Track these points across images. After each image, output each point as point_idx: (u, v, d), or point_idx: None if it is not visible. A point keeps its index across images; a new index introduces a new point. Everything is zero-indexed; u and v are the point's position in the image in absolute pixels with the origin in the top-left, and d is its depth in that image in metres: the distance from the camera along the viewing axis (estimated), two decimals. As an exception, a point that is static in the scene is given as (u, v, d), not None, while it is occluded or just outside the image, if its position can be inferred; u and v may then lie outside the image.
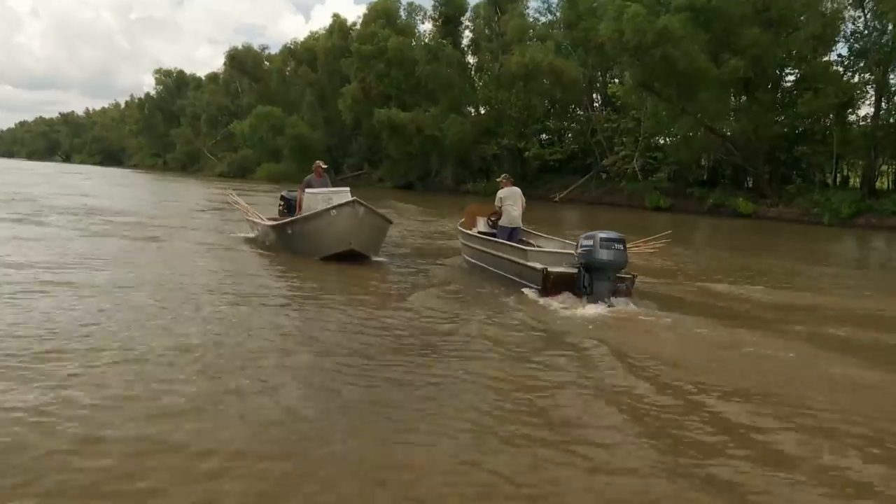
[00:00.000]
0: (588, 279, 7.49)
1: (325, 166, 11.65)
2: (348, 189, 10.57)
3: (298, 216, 10.43)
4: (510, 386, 4.65)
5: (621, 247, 7.46)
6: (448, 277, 9.38)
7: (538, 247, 9.38)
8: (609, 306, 7.29)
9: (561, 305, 7.33)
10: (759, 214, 28.15)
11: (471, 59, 44.33)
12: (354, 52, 43.59)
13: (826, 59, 28.67)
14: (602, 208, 31.99)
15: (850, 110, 27.95)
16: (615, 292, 7.59)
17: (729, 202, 29.41)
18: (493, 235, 10.06)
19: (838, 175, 28.79)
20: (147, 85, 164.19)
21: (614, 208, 31.81)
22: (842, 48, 28.84)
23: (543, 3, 42.30)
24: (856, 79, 28.05)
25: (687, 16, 26.91)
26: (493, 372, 4.91)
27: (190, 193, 30.73)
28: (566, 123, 40.51)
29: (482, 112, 41.94)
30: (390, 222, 10.65)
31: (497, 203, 10.28)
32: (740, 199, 28.86)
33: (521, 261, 8.42)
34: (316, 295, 7.52)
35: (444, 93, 39.93)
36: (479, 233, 10.54)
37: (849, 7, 26.85)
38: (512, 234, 9.91)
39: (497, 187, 10.56)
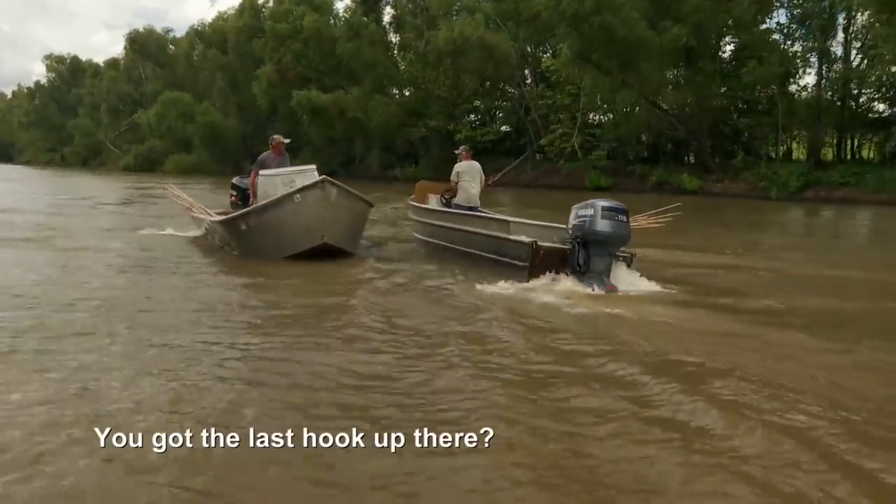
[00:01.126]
0: (584, 255, 6.61)
1: (286, 141, 9.69)
2: (314, 167, 8.83)
3: (253, 206, 8.64)
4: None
5: (625, 218, 6.57)
6: (421, 266, 8.11)
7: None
8: (607, 286, 6.47)
9: (554, 287, 6.51)
10: (705, 190, 27.53)
11: (393, 38, 42.45)
12: (268, 32, 41.23)
13: (766, 26, 28.21)
14: (539, 190, 30.87)
15: (791, 80, 27.54)
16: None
17: (673, 179, 28.70)
18: None
19: (781, 147, 28.23)
20: (37, 74, 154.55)
21: (552, 190, 30.70)
22: (781, 15, 28.20)
23: (470, -25, 40.25)
24: (796, 47, 27.67)
25: (625, -19, 25.96)
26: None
27: (97, 188, 28.07)
28: (498, 102, 39.27)
29: (408, 93, 40.27)
30: (371, 205, 8.98)
31: (453, 178, 9.40)
32: (685, 176, 28.19)
33: (502, 234, 7.48)
34: (270, 319, 5.50)
35: (367, 73, 38.07)
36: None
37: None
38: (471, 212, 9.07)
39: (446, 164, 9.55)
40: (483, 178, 9.57)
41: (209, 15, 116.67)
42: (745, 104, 28.60)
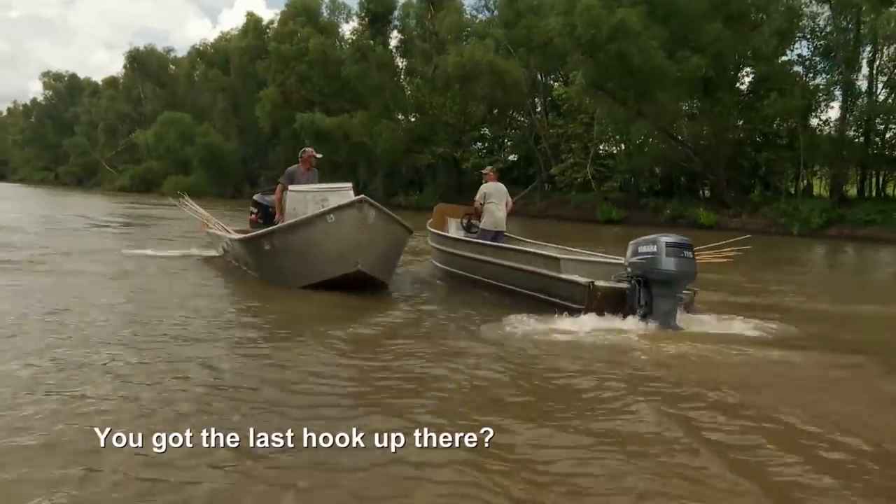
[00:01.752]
0: (646, 296, 6.15)
1: (318, 156, 9.11)
2: (350, 185, 8.24)
3: (279, 224, 8.03)
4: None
5: (690, 254, 6.19)
6: (454, 302, 7.55)
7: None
8: (673, 329, 6.02)
9: (613, 330, 5.93)
10: (722, 225, 26.79)
11: (400, 63, 42.05)
12: (272, 53, 40.90)
13: (787, 58, 27.84)
14: (549, 221, 30.26)
15: (813, 113, 27.07)
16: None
17: (688, 213, 28.03)
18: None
19: (802, 183, 27.71)
20: (34, 91, 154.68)
21: (561, 221, 30.16)
22: (801, 47, 27.82)
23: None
24: (817, 80, 27.28)
25: (644, 9, 25.49)
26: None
27: (95, 207, 27.53)
28: (507, 130, 38.71)
29: (414, 119, 39.63)
30: (410, 231, 8.29)
31: (479, 200, 8.95)
32: (700, 210, 27.53)
33: (552, 273, 6.87)
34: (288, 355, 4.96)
35: (373, 97, 37.62)
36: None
37: (811, 2, 25.87)
38: (496, 239, 8.74)
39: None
40: (510, 201, 9.17)
41: (211, 36, 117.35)
42: (764, 137, 27.95)
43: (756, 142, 27.89)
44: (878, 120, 25.64)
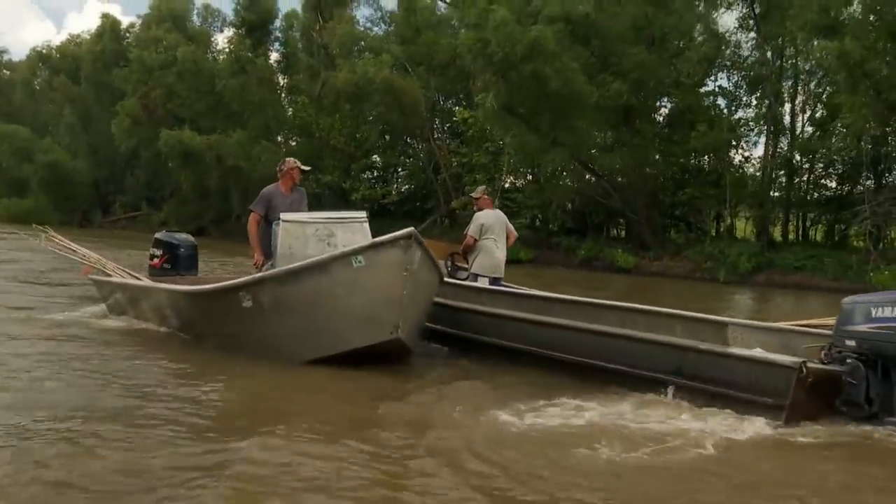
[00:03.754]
0: (882, 386, 4.55)
1: (305, 168, 7.65)
2: (364, 214, 6.78)
3: (270, 271, 6.47)
4: None
5: None
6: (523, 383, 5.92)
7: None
8: None
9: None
10: (641, 269, 25.73)
11: (281, 79, 39.57)
12: (133, 61, 37.35)
13: (708, 88, 27.55)
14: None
15: (737, 150, 26.69)
16: None
17: (604, 254, 26.78)
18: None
19: (721, 224, 27.20)
20: None
21: (463, 260, 28.46)
22: (722, 78, 27.76)
23: (376, 11, 38.76)
24: (739, 114, 26.89)
25: (562, 28, 24.21)
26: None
27: None
28: (402, 158, 37.06)
29: (295, 143, 37.27)
30: (442, 276, 6.86)
31: (472, 234, 7.74)
32: (618, 251, 26.33)
33: (713, 348, 5.20)
34: None
35: (253, 115, 34.88)
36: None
37: (735, 31, 25.51)
38: (495, 284, 7.61)
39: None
40: (512, 232, 8.02)
41: (57, 40, 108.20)
42: (687, 174, 27.33)
43: (679, 178, 27.08)
44: (803, 159, 25.36)
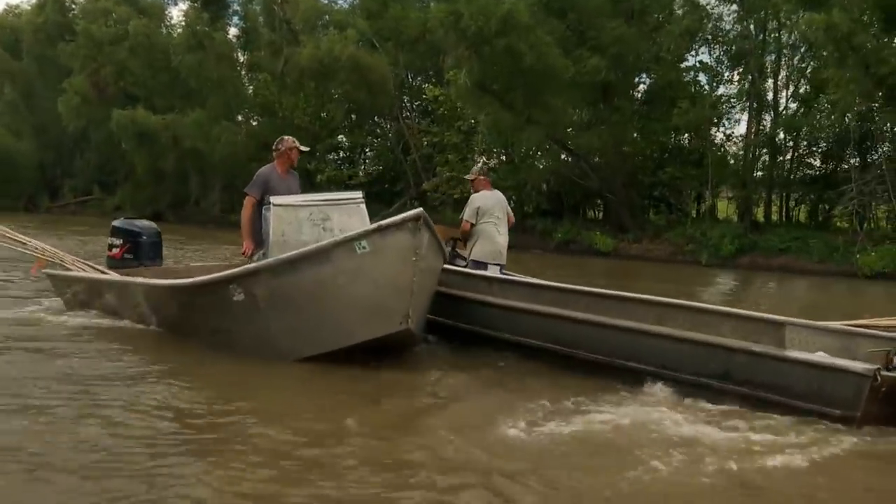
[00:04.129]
0: None
1: (304, 149, 7.56)
2: (360, 195, 6.65)
3: (264, 261, 6.16)
4: None
5: None
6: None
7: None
8: None
9: None
10: (621, 252, 25.68)
11: (241, 56, 38.80)
12: (81, 34, 36.18)
13: (689, 63, 27.31)
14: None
15: (719, 127, 26.73)
16: None
17: (582, 237, 26.62)
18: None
19: (702, 205, 26.98)
20: None
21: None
22: (703, 53, 27.63)
23: (342, -17, 37.95)
24: (720, 90, 26.85)
25: (537, 1, 24.15)
26: None
27: None
28: (369, 138, 36.46)
29: (256, 123, 36.70)
30: (445, 257, 6.76)
31: (468, 218, 7.33)
32: (597, 234, 26.18)
33: (769, 350, 4.89)
34: None
35: (211, 93, 34.03)
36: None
37: (717, 4, 25.41)
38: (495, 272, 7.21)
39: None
40: (511, 216, 7.68)
41: None
42: (667, 153, 27.21)
43: (658, 157, 26.98)
44: (787, 137, 25.30)
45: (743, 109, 25.65)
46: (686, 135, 26.96)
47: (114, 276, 7.93)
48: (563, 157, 28.01)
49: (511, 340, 6.26)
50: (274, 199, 6.39)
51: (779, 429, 4.56)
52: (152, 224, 9.06)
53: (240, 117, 36.77)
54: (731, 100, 26.17)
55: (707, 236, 24.12)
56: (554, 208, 29.47)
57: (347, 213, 6.31)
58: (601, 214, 29.55)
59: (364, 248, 5.54)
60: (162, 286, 6.92)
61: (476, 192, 7.61)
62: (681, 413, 4.84)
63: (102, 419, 4.44)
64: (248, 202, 6.92)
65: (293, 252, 5.84)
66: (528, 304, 6.24)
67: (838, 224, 24.28)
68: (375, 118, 35.91)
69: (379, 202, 33.79)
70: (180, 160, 34.59)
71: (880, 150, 22.95)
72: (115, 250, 8.44)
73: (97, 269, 8.31)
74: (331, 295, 5.68)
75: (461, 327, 6.69)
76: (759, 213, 25.84)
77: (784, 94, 25.67)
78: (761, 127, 25.10)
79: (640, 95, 28.25)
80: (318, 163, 33.69)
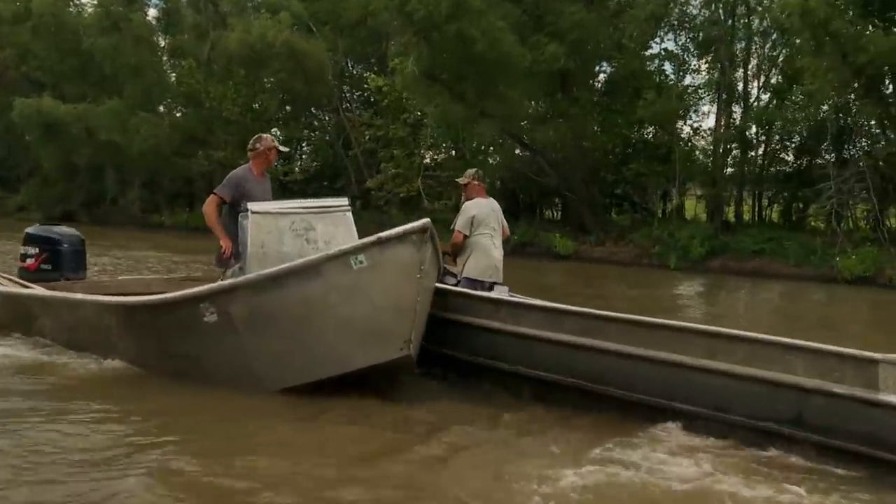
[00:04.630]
0: None
1: (283, 149, 7.16)
2: (346, 201, 6.52)
3: (244, 277, 5.80)
4: None
5: None
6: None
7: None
8: None
9: None
10: (582, 255, 25.14)
11: (163, 40, 37.50)
12: (-23, 13, 34.82)
13: (654, 51, 26.95)
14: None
15: (685, 120, 26.38)
16: None
17: (540, 238, 26.00)
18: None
19: (669, 204, 26.77)
20: None
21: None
22: (669, 40, 27.34)
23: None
24: (688, 80, 26.52)
25: (490, -17, 23.39)
26: None
27: None
28: (307, 131, 35.97)
29: (184, 112, 35.67)
30: (441, 273, 6.53)
31: (461, 228, 7.08)
32: (556, 236, 25.60)
33: (858, 392, 4.47)
34: None
35: (129, 81, 32.63)
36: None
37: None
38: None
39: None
40: (506, 227, 7.48)
41: None
42: (630, 148, 26.75)
43: (621, 153, 26.59)
44: (759, 130, 24.94)
45: (712, 101, 25.38)
46: (651, 128, 26.58)
47: (40, 290, 7.50)
48: (517, 151, 27.49)
49: (522, 374, 5.86)
50: (252, 206, 6.02)
51: (853, 490, 4.31)
52: (74, 231, 8.74)
53: (161, 107, 35.64)
54: (700, 90, 25.88)
55: (675, 238, 23.63)
56: (509, 207, 28.14)
57: (333, 223, 6.12)
58: (560, 214, 29.15)
59: (361, 262, 5.34)
60: (114, 304, 6.54)
61: (469, 199, 7.24)
62: (733, 465, 4.59)
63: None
64: (211, 200, 6.50)
65: (281, 266, 5.58)
66: (545, 331, 5.75)
67: (813, 224, 24.08)
68: (313, 110, 35.18)
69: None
70: (95, 154, 33.32)
71: (858, 145, 22.78)
72: (29, 261, 8.16)
73: (17, 283, 7.96)
74: (321, 315, 5.50)
75: (460, 358, 6.24)
76: (730, 213, 25.50)
77: (755, 84, 25.46)
78: (731, 120, 24.78)
79: (600, 86, 27.86)
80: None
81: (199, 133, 33.09)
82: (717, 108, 25.06)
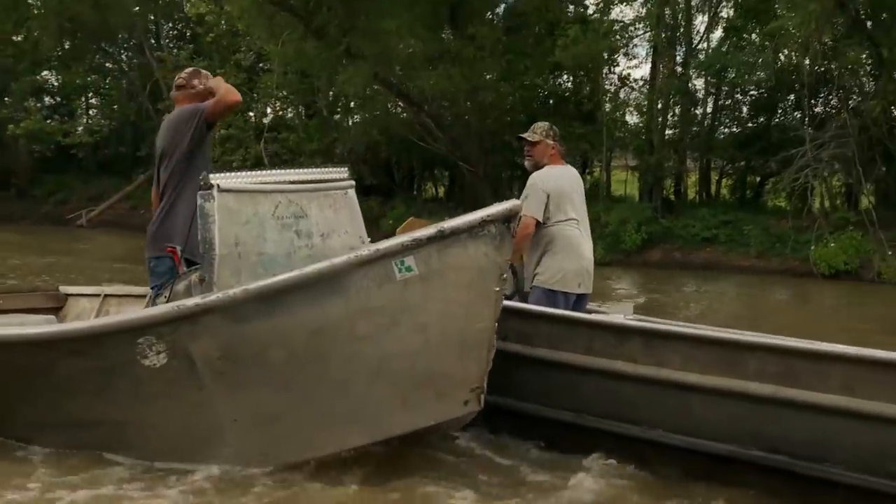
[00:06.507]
0: None
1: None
2: (346, 173, 5.87)
3: (223, 293, 4.92)
4: None
5: None
6: None
7: None
8: None
9: None
10: (481, 244, 23.92)
11: None
12: None
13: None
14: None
15: (615, 66, 26.20)
16: None
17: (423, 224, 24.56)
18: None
19: (591, 176, 26.56)
20: None
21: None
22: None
23: None
24: (614, 13, 25.72)
25: None
26: None
27: None
28: (98, 77, 34.92)
29: None
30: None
31: (532, 212, 6.09)
32: (445, 220, 24.14)
33: None
34: None
35: None
36: None
37: None
38: (578, 307, 6.16)
39: None
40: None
41: None
42: (543, 104, 26.25)
43: (531, 108, 25.69)
44: (707, 81, 24.78)
45: (649, 41, 24.88)
46: (569, 78, 26.58)
47: None
48: (394, 108, 27.20)
49: (666, 443, 5.16)
50: (217, 180, 5.21)
51: None
52: None
53: None
54: (631, 28, 25.21)
55: (601, 222, 22.88)
56: (381, 183, 28.72)
57: (332, 206, 5.65)
58: (446, 191, 29.34)
59: (409, 269, 4.61)
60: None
61: (537, 166, 6.36)
62: None
63: None
64: (154, 192, 6.08)
65: (279, 277, 4.85)
66: (713, 376, 4.94)
67: (774, 202, 24.05)
68: (106, 46, 34.13)
69: (110, 174, 32.84)
70: None
71: (837, 97, 22.60)
72: None
73: None
74: (343, 355, 4.90)
75: (547, 417, 5.58)
76: (670, 188, 25.37)
77: (701, 19, 25.14)
78: (675, 68, 24.44)
79: (500, 21, 27.33)
80: (10, 110, 32.03)
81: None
82: (654, 52, 24.64)
